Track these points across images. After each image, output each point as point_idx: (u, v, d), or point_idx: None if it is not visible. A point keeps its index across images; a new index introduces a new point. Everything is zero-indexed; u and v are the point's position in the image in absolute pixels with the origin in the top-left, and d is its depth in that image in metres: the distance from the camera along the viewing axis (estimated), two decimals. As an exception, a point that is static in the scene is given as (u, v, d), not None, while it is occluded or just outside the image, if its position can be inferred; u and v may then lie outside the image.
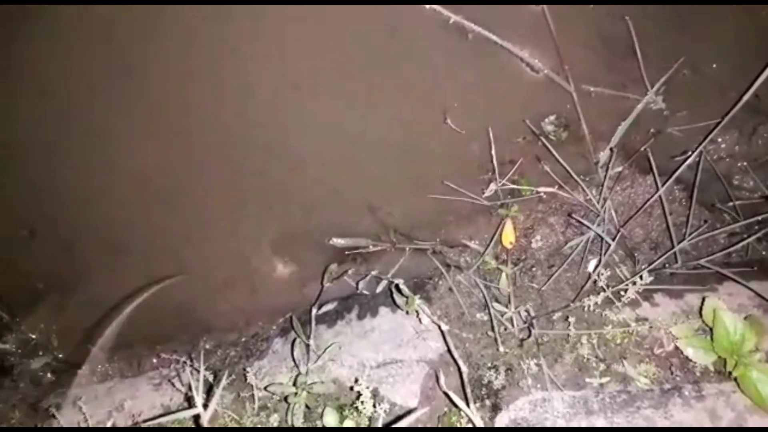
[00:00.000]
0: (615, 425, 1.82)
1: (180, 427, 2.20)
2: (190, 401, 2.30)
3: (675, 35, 2.47)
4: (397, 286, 2.32)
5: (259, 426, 2.15)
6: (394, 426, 1.21)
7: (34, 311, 2.88)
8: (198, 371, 2.14)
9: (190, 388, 2.34)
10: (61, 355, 2.86)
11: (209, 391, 2.27)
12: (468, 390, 1.95)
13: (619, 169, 2.50)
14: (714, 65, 2.46)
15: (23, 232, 2.84)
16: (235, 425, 2.15)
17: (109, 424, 2.38)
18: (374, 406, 1.94)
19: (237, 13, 2.54)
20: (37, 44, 2.68)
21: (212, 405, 1.38)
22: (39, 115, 2.76)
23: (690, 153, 2.26)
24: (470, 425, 1.90)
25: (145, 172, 2.75)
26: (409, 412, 1.91)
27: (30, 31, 2.66)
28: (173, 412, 1.89)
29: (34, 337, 2.87)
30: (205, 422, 1.37)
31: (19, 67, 2.73)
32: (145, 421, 2.28)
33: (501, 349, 2.10)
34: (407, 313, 2.33)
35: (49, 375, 2.81)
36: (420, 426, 2.03)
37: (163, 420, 2.11)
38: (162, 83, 2.67)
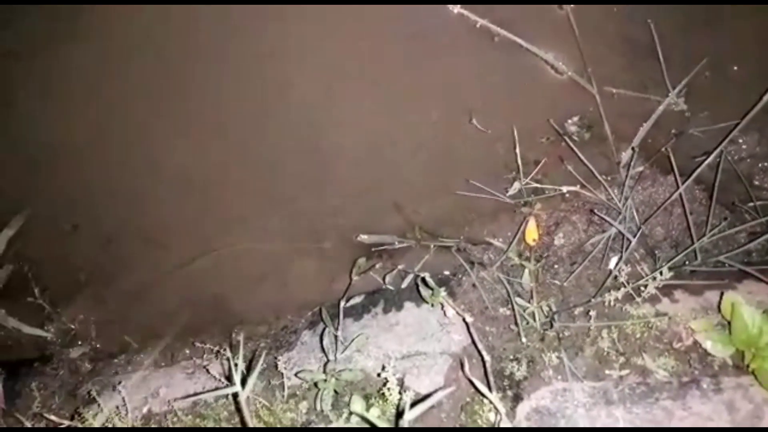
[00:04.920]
0: (634, 415, 1.88)
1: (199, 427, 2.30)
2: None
3: (697, 37, 2.52)
4: (423, 279, 2.39)
5: (288, 412, 2.24)
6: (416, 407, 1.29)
7: (74, 302, 2.99)
8: (231, 359, 2.23)
9: (222, 377, 2.44)
10: (99, 345, 2.96)
11: (244, 378, 2.36)
12: (491, 379, 2.02)
13: (641, 168, 2.54)
14: (735, 67, 2.50)
15: (66, 226, 2.97)
16: (266, 411, 2.24)
17: (145, 410, 2.49)
18: (400, 393, 2.01)
19: (274, 16, 2.66)
20: (81, 48, 2.82)
21: (250, 384, 1.47)
22: (83, 116, 2.90)
23: (710, 153, 2.30)
24: (492, 413, 1.97)
25: (183, 169, 2.88)
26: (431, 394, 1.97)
27: (73, 33, 2.81)
28: (211, 391, 1.98)
29: (73, 327, 2.97)
30: (243, 400, 1.46)
31: (65, 69, 2.87)
32: (178, 399, 2.38)
33: (524, 340, 2.17)
34: (432, 306, 2.40)
35: (87, 364, 2.89)
36: (444, 415, 2.10)
37: (201, 397, 2.21)
38: (199, 84, 2.79)
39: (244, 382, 1.63)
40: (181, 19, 2.76)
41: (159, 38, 2.81)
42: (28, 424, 2.51)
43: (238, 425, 2.26)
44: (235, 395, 1.50)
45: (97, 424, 2.34)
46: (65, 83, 2.93)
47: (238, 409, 2.16)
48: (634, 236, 2.23)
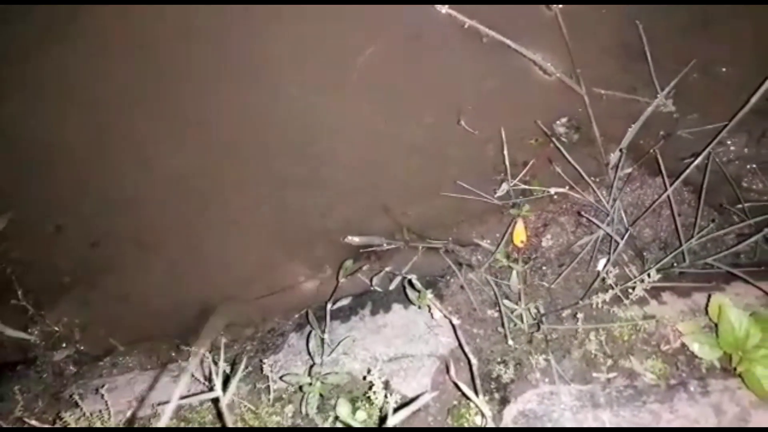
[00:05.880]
0: (621, 418, 1.87)
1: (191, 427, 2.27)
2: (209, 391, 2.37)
3: (686, 39, 2.52)
4: (410, 281, 2.37)
5: (274, 415, 2.22)
6: (402, 409, 1.27)
7: (59, 305, 2.95)
8: (212, 363, 2.21)
9: (207, 379, 2.41)
10: (83, 348, 2.93)
11: (226, 382, 2.33)
12: (477, 382, 2.00)
13: (629, 170, 2.54)
14: (724, 69, 2.50)
15: (49, 227, 2.93)
16: (251, 415, 2.22)
17: (129, 414, 2.46)
18: (386, 396, 2.00)
19: (267, 18, 2.65)
20: (73, 48, 2.79)
21: (231, 388, 1.44)
22: (72, 117, 2.87)
23: (698, 155, 2.29)
24: (479, 416, 1.95)
25: (173, 171, 2.85)
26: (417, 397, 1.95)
27: (67, 34, 2.78)
28: (193, 395, 1.95)
29: (57, 329, 2.93)
30: (223, 405, 1.44)
31: (57, 71, 2.84)
32: (163, 403, 2.35)
33: (510, 343, 2.15)
34: (419, 308, 2.39)
35: (71, 367, 2.86)
36: (431, 418, 2.08)
37: (186, 401, 2.18)
38: (193, 86, 2.77)
39: (225, 387, 1.60)
40: (176, 20, 2.73)
41: (153, 40, 2.78)
42: (9, 429, 2.48)
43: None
44: (217, 399, 1.47)
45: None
46: (57, 84, 2.89)
47: (220, 414, 2.14)
48: (622, 238, 2.22)
